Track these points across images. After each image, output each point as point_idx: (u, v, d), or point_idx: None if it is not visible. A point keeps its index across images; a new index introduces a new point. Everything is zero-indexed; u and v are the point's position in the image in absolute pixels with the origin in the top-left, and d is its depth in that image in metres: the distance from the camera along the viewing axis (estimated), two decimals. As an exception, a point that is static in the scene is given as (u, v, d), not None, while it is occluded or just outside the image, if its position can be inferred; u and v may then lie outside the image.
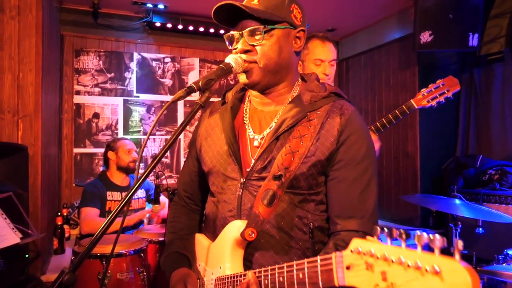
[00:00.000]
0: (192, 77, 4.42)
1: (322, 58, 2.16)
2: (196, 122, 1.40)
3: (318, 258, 0.80)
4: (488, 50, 3.58)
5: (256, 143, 1.18)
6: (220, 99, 1.35)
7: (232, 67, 1.10)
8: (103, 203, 3.04)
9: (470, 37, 3.18)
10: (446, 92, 2.11)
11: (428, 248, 0.58)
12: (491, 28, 3.53)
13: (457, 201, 2.33)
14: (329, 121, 1.13)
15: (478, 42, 3.23)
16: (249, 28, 1.11)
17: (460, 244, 0.55)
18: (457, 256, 0.54)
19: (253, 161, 1.16)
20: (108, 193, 3.09)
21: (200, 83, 1.01)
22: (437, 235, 0.55)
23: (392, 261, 0.59)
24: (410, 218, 3.81)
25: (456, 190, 2.40)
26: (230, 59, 1.11)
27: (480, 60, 3.69)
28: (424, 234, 0.56)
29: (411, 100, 2.14)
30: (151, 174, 3.34)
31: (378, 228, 0.62)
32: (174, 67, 4.34)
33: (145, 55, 4.22)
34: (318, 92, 1.19)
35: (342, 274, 0.71)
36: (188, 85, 1.00)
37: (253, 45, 1.12)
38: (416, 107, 2.12)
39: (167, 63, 4.30)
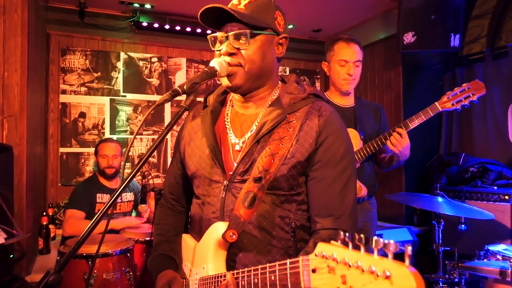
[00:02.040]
0: (179, 77, 4.39)
1: (346, 59, 2.21)
2: (183, 123, 1.40)
3: (288, 261, 0.82)
4: (470, 50, 3.64)
5: (237, 147, 1.19)
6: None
7: (217, 70, 1.10)
8: (93, 206, 3.01)
9: (452, 38, 3.20)
10: (471, 95, 2.10)
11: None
12: (473, 29, 3.59)
13: (440, 199, 2.36)
14: (307, 123, 1.14)
15: (460, 42, 3.25)
16: (235, 32, 1.11)
17: (409, 249, 0.57)
18: (406, 261, 0.56)
19: (235, 164, 1.17)
20: (98, 195, 3.05)
21: (185, 87, 1.01)
22: (391, 241, 0.58)
23: (350, 265, 0.61)
24: (395, 216, 3.82)
25: (439, 188, 2.43)
26: (214, 62, 1.11)
27: (462, 60, 3.72)
28: (380, 239, 0.59)
29: (436, 103, 2.13)
30: (137, 174, 3.34)
31: (341, 233, 0.65)
32: (161, 67, 4.31)
33: (132, 54, 4.19)
34: (297, 94, 1.19)
35: (308, 277, 0.73)
36: (173, 88, 1.01)
37: (238, 48, 1.12)
38: (440, 109, 2.12)
39: (154, 62, 4.28)
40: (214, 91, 1.32)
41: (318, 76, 5.18)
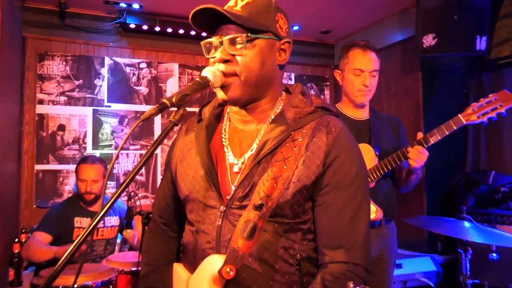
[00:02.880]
0: (171, 85, 4.43)
1: (361, 68, 2.24)
2: (175, 136, 1.40)
3: None
4: (498, 53, 3.59)
5: (236, 169, 1.19)
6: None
7: (210, 81, 1.10)
8: (69, 231, 3.00)
9: (477, 40, 3.19)
10: (499, 107, 2.08)
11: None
12: (501, 29, 3.55)
13: (467, 224, 2.28)
14: (314, 141, 1.15)
15: (487, 45, 3.24)
16: (230, 36, 1.11)
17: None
18: None
19: (233, 188, 1.17)
20: (76, 219, 3.05)
21: (173, 99, 1.01)
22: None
23: None
24: (415, 243, 3.78)
25: (466, 210, 2.31)
26: (207, 72, 1.11)
27: (489, 64, 3.72)
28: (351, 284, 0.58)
29: (459, 115, 2.13)
30: (123, 194, 3.32)
31: (351, 284, 0.65)
32: (151, 74, 4.35)
33: (118, 60, 4.23)
34: (302, 108, 1.20)
35: None
36: (161, 101, 1.02)
37: (233, 55, 1.12)
38: (464, 122, 2.11)
39: (142, 69, 4.33)
40: (209, 102, 1.33)
41: (327, 83, 5.21)
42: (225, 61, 1.12)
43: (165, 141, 4.02)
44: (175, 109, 1.03)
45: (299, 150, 1.13)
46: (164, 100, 1.01)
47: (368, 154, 2.22)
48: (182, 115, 1.02)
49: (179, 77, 4.45)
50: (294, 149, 1.13)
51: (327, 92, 5.19)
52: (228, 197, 1.16)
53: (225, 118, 1.29)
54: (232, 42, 1.11)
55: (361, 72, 2.25)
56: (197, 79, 1.10)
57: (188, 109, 1.40)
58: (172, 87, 4.43)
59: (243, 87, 1.14)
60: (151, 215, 1.50)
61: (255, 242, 1.08)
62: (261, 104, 1.21)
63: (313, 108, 1.19)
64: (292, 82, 4.94)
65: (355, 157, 1.17)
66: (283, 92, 1.27)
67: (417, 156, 2.12)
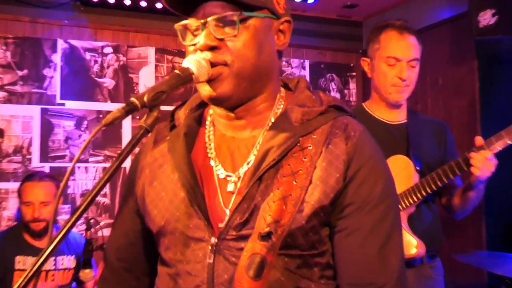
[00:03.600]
0: (145, 76, 4.38)
1: (397, 56, 2.29)
2: (138, 151, 1.41)
3: None
4: None
5: (230, 187, 1.20)
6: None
7: (193, 73, 1.10)
8: (8, 276, 2.97)
9: (552, 19, 3.13)
10: None
11: None
12: None
13: (540, 264, 2.23)
14: (331, 149, 1.17)
15: None
16: (217, 16, 1.13)
17: None
18: None
19: (227, 213, 1.18)
20: (18, 258, 3.02)
21: (145, 98, 1.02)
22: None
23: None
24: (471, 286, 3.75)
25: None
26: (189, 61, 1.11)
27: None
28: None
29: None
30: (80, 222, 3.31)
31: None
32: (118, 61, 4.32)
33: (75, 43, 4.20)
34: (311, 107, 1.22)
35: None
36: (129, 100, 1.02)
37: (221, 39, 1.13)
38: None
39: (107, 54, 4.31)
40: (183, 104, 1.34)
41: (353, 74, 5.20)
42: (212, 48, 1.13)
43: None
44: (152, 110, 1.04)
45: (311, 161, 1.15)
46: (133, 99, 1.01)
47: (406, 169, 2.27)
48: (156, 118, 1.03)
49: (156, 66, 4.42)
50: (305, 160, 1.15)
51: (352, 86, 5.18)
52: (221, 225, 1.17)
53: (207, 123, 1.31)
54: (220, 22, 1.13)
55: (396, 61, 2.29)
56: (176, 71, 1.10)
57: (165, 108, 1.44)
58: (146, 79, 4.38)
59: (236, 80, 1.15)
60: (106, 257, 1.46)
61: (264, 283, 1.09)
62: (257, 103, 1.23)
63: (325, 107, 1.22)
64: (307, 71, 4.97)
65: (381, 169, 1.20)
66: (281, 88, 1.30)
67: (484, 164, 2.13)
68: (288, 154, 1.16)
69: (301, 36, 4.72)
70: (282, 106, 1.25)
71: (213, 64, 1.13)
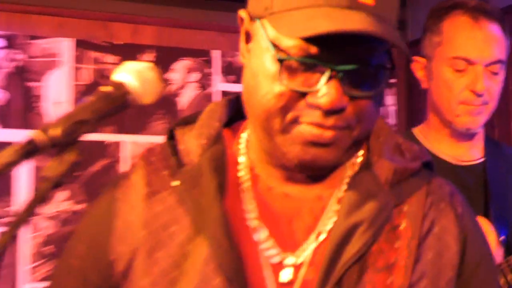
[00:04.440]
0: (55, 85, 3.73)
1: (470, 57, 2.02)
2: (107, 199, 1.27)
3: None
4: None
5: (286, 275, 1.10)
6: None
7: (132, 93, 1.07)
8: None
9: None
10: None
11: None
12: None
13: None
14: (436, 232, 1.13)
15: None
16: (353, 65, 1.00)
17: None
18: None
19: None
20: None
21: (57, 131, 0.95)
22: None
23: None
24: None
25: None
26: (128, 72, 1.08)
27: None
28: None
29: None
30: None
31: None
32: (14, 61, 3.65)
33: None
34: (404, 161, 1.18)
35: None
36: (30, 138, 0.95)
37: (354, 98, 1.04)
38: None
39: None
40: (188, 123, 1.23)
41: (392, 81, 4.37)
42: (335, 112, 1.04)
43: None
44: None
45: (409, 249, 1.09)
46: (38, 135, 0.95)
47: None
48: (72, 164, 0.97)
49: (76, 68, 3.72)
50: (397, 245, 1.09)
51: (390, 101, 4.33)
52: None
53: (241, 166, 1.20)
54: (367, 77, 1.05)
55: (468, 64, 2.01)
56: (105, 88, 1.05)
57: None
58: (57, 92, 3.69)
59: (345, 148, 1.09)
60: None
61: None
62: None
63: (420, 164, 1.18)
64: None
65: (493, 262, 1.26)
66: None
67: None
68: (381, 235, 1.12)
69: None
70: (361, 154, 1.19)
71: (330, 128, 1.05)
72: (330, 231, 1.11)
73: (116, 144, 3.69)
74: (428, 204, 1.13)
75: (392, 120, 4.38)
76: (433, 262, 1.10)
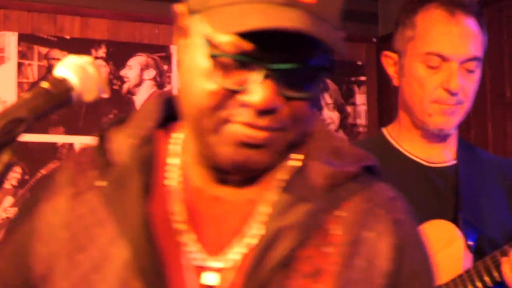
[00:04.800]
0: (0, 81, 3.74)
1: (444, 53, 1.98)
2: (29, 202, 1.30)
3: None
4: None
5: (210, 279, 1.09)
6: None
7: (73, 89, 1.01)
8: None
9: None
10: None
11: None
12: None
13: None
14: (370, 239, 1.12)
15: None
16: (294, 65, 1.00)
17: None
18: None
19: None
20: None
21: None
22: None
23: None
24: None
25: None
26: (69, 68, 1.03)
27: None
28: None
29: None
30: None
31: None
32: None
33: None
34: (339, 166, 1.16)
35: None
36: None
37: (292, 99, 1.04)
38: None
39: None
40: (120, 122, 1.19)
41: (362, 79, 4.37)
42: (267, 113, 1.03)
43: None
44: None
45: (341, 255, 1.07)
46: None
47: (452, 245, 2.06)
48: (7, 166, 0.92)
49: (19, 66, 3.72)
50: (328, 251, 1.08)
51: (360, 100, 4.28)
52: None
53: (168, 167, 1.19)
54: (304, 78, 1.05)
55: (443, 61, 1.97)
56: (44, 84, 0.99)
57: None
58: (1, 91, 3.70)
59: (283, 150, 1.11)
60: None
61: None
62: None
63: (358, 168, 1.15)
64: None
65: (431, 273, 1.20)
66: None
67: None
68: (308, 239, 1.10)
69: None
70: (297, 157, 1.16)
71: (262, 129, 1.05)
72: (260, 236, 1.11)
73: (69, 146, 3.59)
74: (365, 210, 1.12)
75: (362, 119, 4.37)
76: (365, 269, 1.09)
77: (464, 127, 3.39)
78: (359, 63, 4.33)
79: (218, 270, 1.09)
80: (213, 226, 1.14)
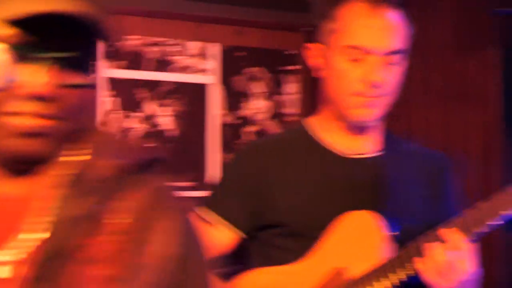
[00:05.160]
0: None
1: (366, 46, 1.99)
2: None
3: None
4: None
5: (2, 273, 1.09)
6: None
7: None
8: None
9: None
10: None
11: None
12: None
13: None
14: (154, 225, 1.18)
15: None
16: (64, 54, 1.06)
17: None
18: None
19: None
20: None
21: None
22: None
23: None
24: None
25: None
26: None
27: None
28: None
29: None
30: None
31: None
32: None
33: None
34: (124, 158, 1.21)
35: None
36: None
37: (67, 87, 1.08)
38: None
39: None
40: None
41: (292, 68, 4.24)
42: (42, 98, 1.05)
43: None
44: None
45: (126, 244, 1.12)
46: None
47: (371, 235, 2.04)
48: None
49: None
50: (106, 239, 1.12)
51: (290, 89, 4.20)
52: None
53: None
54: (66, 65, 1.07)
55: (364, 53, 1.97)
56: None
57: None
58: None
59: (60, 140, 1.12)
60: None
61: None
62: None
63: (137, 163, 1.21)
64: (214, 63, 4.08)
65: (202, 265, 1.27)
66: None
67: (437, 264, 1.85)
68: (86, 233, 1.12)
69: (205, 2, 3.92)
70: (80, 152, 1.19)
71: (39, 116, 1.07)
72: (46, 228, 1.13)
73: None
74: (151, 200, 1.18)
75: (296, 109, 4.30)
76: (153, 254, 1.14)
77: (390, 119, 3.64)
78: (292, 52, 4.20)
79: (8, 263, 1.10)
80: None
